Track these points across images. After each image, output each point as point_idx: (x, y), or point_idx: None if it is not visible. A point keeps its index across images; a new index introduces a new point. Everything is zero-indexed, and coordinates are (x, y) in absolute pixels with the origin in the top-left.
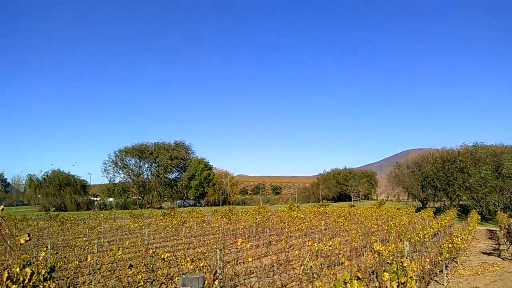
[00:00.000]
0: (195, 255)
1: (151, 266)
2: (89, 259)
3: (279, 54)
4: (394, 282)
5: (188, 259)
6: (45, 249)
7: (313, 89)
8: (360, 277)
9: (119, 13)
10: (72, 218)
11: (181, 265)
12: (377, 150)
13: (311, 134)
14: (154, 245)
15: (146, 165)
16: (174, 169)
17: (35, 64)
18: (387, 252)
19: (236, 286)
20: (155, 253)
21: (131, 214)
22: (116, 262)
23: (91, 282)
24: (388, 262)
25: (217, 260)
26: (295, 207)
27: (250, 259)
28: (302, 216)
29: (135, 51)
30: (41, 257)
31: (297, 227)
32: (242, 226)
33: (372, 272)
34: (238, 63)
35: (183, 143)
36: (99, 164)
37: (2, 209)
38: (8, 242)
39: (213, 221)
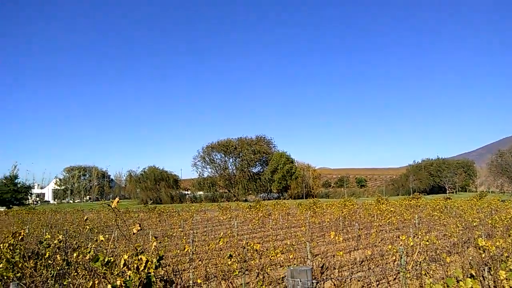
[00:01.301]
0: (284, 247)
1: (244, 256)
2: (187, 249)
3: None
4: (511, 281)
5: (278, 250)
6: (155, 239)
7: (398, 73)
8: (474, 274)
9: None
10: (167, 210)
11: (272, 256)
12: (474, 137)
13: (396, 122)
14: (244, 236)
15: (231, 160)
16: (257, 163)
17: (129, 70)
18: (494, 248)
19: (328, 279)
20: (247, 244)
21: (219, 207)
22: (211, 252)
23: (194, 268)
24: (502, 260)
25: (307, 252)
26: (384, 200)
27: (341, 253)
28: (392, 209)
29: (215, 48)
30: (153, 247)
31: (387, 221)
32: (328, 219)
33: (479, 270)
34: (315, 55)
35: (265, 137)
36: (189, 160)
37: (118, 202)
38: (117, 232)
39: (297, 214)
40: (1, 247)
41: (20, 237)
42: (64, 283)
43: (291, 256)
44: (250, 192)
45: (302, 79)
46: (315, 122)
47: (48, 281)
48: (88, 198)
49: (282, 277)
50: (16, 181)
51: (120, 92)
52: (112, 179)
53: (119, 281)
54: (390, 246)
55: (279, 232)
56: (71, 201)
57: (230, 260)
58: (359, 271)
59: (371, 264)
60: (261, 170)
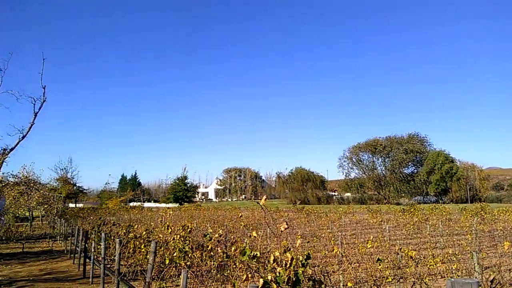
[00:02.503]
0: (445, 256)
1: (397, 263)
2: (335, 250)
3: None
4: None
5: (437, 259)
6: (299, 237)
7: None
8: None
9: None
10: (315, 211)
11: (430, 265)
12: None
13: None
14: (396, 241)
15: (380, 160)
16: (409, 163)
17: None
18: None
19: None
20: (401, 250)
21: (369, 209)
22: (361, 255)
23: (343, 271)
24: None
25: (474, 264)
26: None
27: None
28: None
29: (359, 45)
30: (297, 244)
31: None
32: (501, 227)
33: None
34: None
35: (418, 135)
36: (335, 160)
37: (265, 199)
38: (269, 230)
39: (461, 220)
40: (175, 238)
41: (188, 230)
42: (225, 273)
43: (454, 267)
44: (403, 194)
45: (460, 68)
46: (481, 115)
47: (212, 271)
48: (243, 197)
49: None
50: (186, 181)
51: (265, 97)
52: (263, 180)
53: (270, 276)
54: None
55: (439, 239)
56: (229, 200)
57: (380, 265)
58: None
59: None
60: (415, 170)
